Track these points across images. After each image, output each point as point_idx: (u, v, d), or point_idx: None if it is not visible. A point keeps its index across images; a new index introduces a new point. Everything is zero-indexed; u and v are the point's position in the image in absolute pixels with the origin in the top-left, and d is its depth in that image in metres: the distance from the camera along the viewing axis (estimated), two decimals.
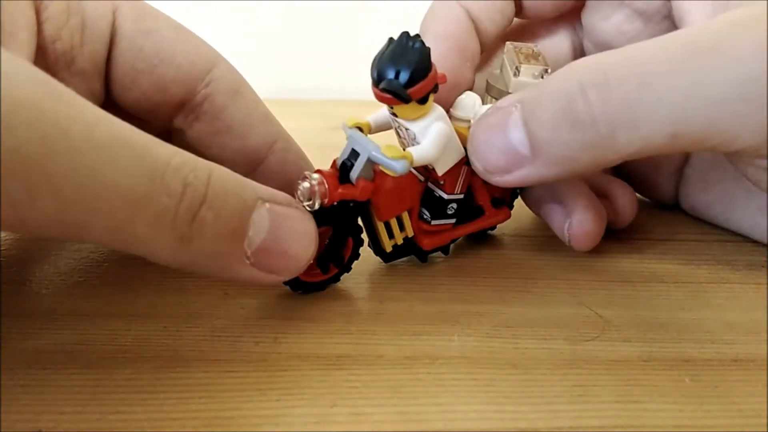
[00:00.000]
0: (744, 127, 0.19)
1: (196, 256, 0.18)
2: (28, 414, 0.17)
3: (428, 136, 0.22)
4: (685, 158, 0.30)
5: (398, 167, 0.21)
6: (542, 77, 0.24)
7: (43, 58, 0.21)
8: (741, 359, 0.20)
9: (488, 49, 0.29)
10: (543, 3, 0.29)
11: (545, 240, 0.29)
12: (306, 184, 0.21)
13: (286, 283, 0.22)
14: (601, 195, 0.27)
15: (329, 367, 0.19)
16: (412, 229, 0.24)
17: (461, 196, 0.25)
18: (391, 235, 0.24)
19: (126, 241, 0.17)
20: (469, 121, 0.24)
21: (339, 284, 0.24)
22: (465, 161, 0.24)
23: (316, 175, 0.21)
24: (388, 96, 0.20)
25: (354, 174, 0.22)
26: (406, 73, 0.20)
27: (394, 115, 0.22)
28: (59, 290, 0.23)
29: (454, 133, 0.23)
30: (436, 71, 0.20)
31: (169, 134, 0.26)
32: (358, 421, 0.17)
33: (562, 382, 0.19)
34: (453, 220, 0.25)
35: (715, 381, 0.19)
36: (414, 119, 0.22)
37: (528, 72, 0.24)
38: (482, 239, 0.28)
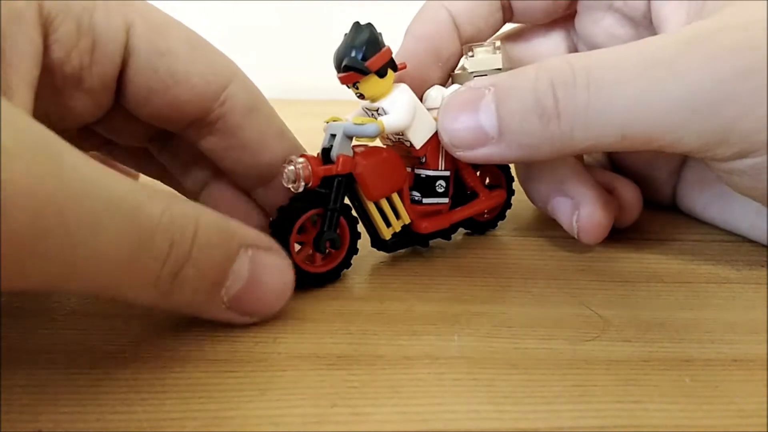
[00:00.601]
0: (687, 132, 0.21)
1: (175, 305, 0.19)
2: (27, 414, 0.17)
3: (395, 105, 0.24)
4: (683, 160, 0.30)
5: (370, 128, 0.23)
6: (496, 51, 0.26)
7: (51, 78, 0.21)
8: (741, 359, 0.20)
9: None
10: (533, 8, 0.29)
11: (545, 240, 0.29)
12: (291, 167, 0.22)
13: None
14: (606, 190, 0.28)
15: (329, 367, 0.19)
16: (407, 215, 0.25)
17: (447, 173, 0.25)
18: (388, 223, 0.25)
19: (110, 296, 0.17)
20: (437, 109, 0.25)
21: (339, 284, 0.24)
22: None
23: (300, 159, 0.22)
24: (350, 72, 0.23)
25: (333, 152, 0.23)
26: (359, 50, 0.23)
27: (362, 96, 0.24)
28: (59, 290, 0.23)
29: (423, 106, 0.24)
30: (390, 49, 0.23)
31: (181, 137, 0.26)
32: (358, 421, 0.17)
33: (562, 382, 0.19)
34: (446, 200, 0.26)
35: (715, 381, 0.19)
36: (379, 96, 0.24)
37: (481, 51, 0.26)
38: (481, 232, 0.29)
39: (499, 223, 0.29)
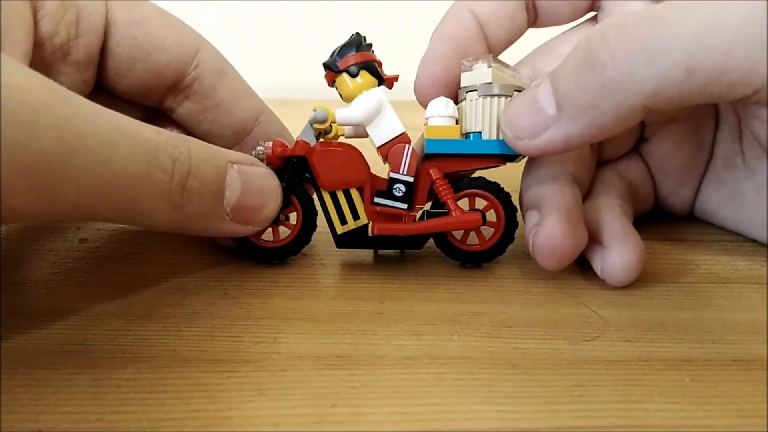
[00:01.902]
0: (761, 58, 0.19)
1: (187, 218, 0.21)
2: (27, 414, 0.17)
3: (356, 102, 0.24)
4: (707, 162, 0.30)
5: (318, 113, 0.24)
6: (491, 66, 0.24)
7: (41, 52, 0.22)
8: (741, 359, 0.20)
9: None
10: (557, 7, 0.29)
11: None
12: (259, 148, 0.25)
13: (243, 249, 0.25)
14: (596, 239, 0.25)
15: (329, 367, 0.19)
16: (366, 215, 0.25)
17: (408, 178, 0.24)
18: (344, 220, 0.25)
19: (129, 217, 0.20)
20: (432, 118, 0.24)
21: (339, 284, 0.24)
22: (407, 141, 0.24)
23: (269, 142, 0.24)
24: (326, 71, 0.24)
25: (297, 137, 0.24)
26: (337, 52, 0.24)
27: (336, 90, 0.25)
28: (59, 290, 0.23)
29: (391, 111, 0.24)
30: (369, 55, 0.24)
31: (155, 115, 0.28)
32: (358, 422, 0.17)
33: (562, 382, 0.19)
34: (404, 205, 0.24)
35: (715, 381, 0.19)
36: (352, 97, 0.24)
37: (477, 65, 0.25)
38: (472, 263, 0.26)
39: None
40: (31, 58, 0.21)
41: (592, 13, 0.30)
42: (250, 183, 0.22)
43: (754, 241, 0.28)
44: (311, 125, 0.24)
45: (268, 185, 0.23)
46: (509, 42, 0.28)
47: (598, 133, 0.21)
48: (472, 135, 0.24)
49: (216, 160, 0.21)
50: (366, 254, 0.27)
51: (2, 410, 0.17)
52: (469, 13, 0.27)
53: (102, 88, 0.26)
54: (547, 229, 0.23)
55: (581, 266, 0.26)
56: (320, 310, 0.22)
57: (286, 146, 0.24)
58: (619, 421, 0.17)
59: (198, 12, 0.63)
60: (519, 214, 0.26)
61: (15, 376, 0.18)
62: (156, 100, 0.26)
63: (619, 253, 0.24)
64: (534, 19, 0.29)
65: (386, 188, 0.24)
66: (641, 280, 0.25)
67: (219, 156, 0.22)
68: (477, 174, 0.26)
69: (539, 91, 0.22)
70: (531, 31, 0.30)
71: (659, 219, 0.31)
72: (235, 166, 0.22)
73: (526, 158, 0.26)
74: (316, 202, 0.25)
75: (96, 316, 0.21)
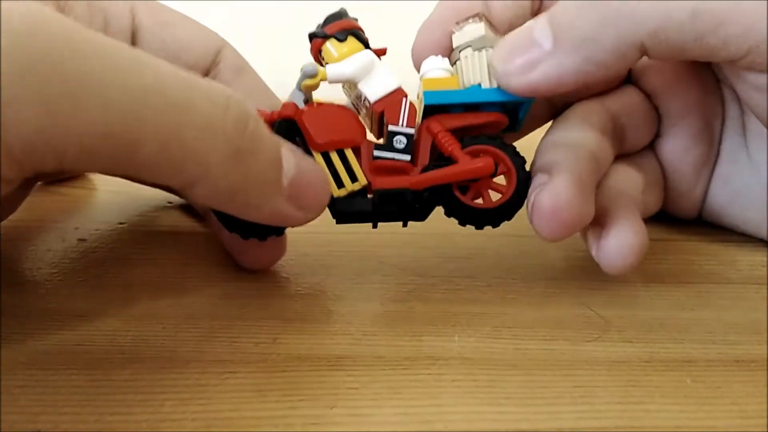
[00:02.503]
0: (763, 15, 0.19)
1: (248, 178, 0.18)
2: (26, 415, 0.16)
3: (346, 59, 0.23)
4: (716, 160, 0.29)
5: (306, 68, 0.22)
6: (481, 20, 0.24)
7: None
8: (743, 360, 0.20)
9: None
10: None
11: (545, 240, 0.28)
12: None
13: (225, 225, 0.22)
14: (599, 219, 0.23)
15: (329, 368, 0.19)
16: (364, 175, 0.22)
17: (409, 130, 0.22)
18: (340, 183, 0.22)
19: (178, 157, 0.16)
20: (429, 71, 0.23)
21: (338, 284, 0.24)
22: (405, 95, 0.23)
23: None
24: (313, 41, 0.23)
25: (286, 99, 0.23)
26: (321, 23, 0.23)
27: (322, 62, 0.23)
28: (58, 291, 0.23)
29: (385, 67, 0.23)
30: (355, 24, 0.23)
31: None
32: (358, 423, 0.17)
33: (563, 383, 0.19)
34: (406, 157, 0.22)
35: (716, 382, 0.19)
36: (342, 59, 0.23)
37: (467, 24, 0.24)
38: (477, 226, 0.23)
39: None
40: None
41: None
42: (302, 164, 0.20)
43: (756, 241, 0.28)
44: (299, 89, 0.23)
45: (318, 171, 0.21)
46: (512, 26, 0.27)
47: (593, 70, 0.21)
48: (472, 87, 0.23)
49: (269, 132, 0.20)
50: (366, 255, 0.26)
51: (1, 411, 0.17)
52: None
53: None
54: (554, 189, 0.21)
55: (582, 266, 0.26)
56: (320, 311, 0.22)
57: (274, 111, 0.22)
58: (620, 422, 0.17)
59: (198, 8, 0.63)
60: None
61: (14, 376, 0.18)
62: None
63: (618, 235, 0.22)
64: (538, 9, 0.28)
65: (385, 141, 0.22)
66: (642, 280, 0.25)
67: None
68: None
69: (535, 26, 0.21)
70: None
71: (660, 219, 0.31)
72: (285, 145, 0.20)
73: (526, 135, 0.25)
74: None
75: (95, 316, 0.21)
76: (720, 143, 0.29)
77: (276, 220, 0.21)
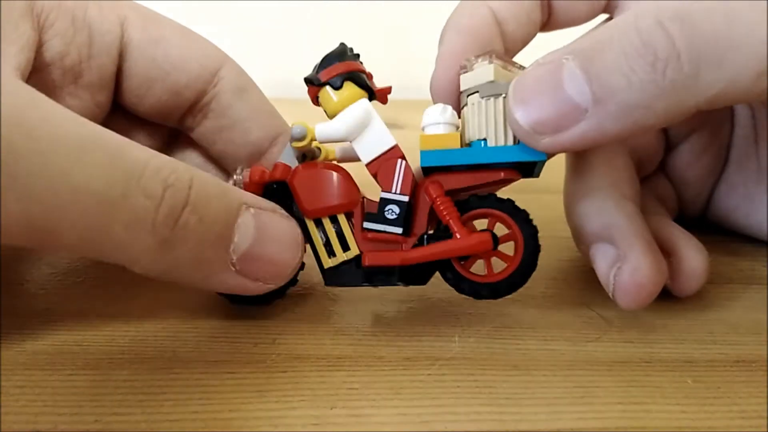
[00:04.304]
0: None
1: (179, 262, 0.18)
2: (25, 415, 0.16)
3: (339, 116, 0.21)
4: (723, 167, 0.29)
5: (295, 130, 0.21)
6: (492, 62, 0.21)
7: (49, 73, 0.21)
8: (743, 360, 0.20)
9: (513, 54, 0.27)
10: (574, 7, 0.27)
11: (547, 240, 0.28)
12: (236, 176, 0.22)
13: (223, 295, 0.21)
14: (665, 251, 0.23)
15: (329, 368, 0.19)
16: (357, 245, 0.21)
17: (403, 197, 0.21)
18: (331, 252, 0.21)
19: (101, 247, 0.16)
20: (427, 127, 0.21)
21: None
22: (400, 156, 0.21)
23: (247, 169, 0.22)
24: (308, 87, 0.21)
25: (277, 160, 0.22)
26: (318, 65, 0.21)
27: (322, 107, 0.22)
28: (57, 291, 0.23)
29: (380, 122, 0.21)
30: (353, 65, 0.21)
31: (176, 136, 0.27)
32: (358, 423, 0.17)
33: (564, 383, 0.19)
34: (398, 230, 0.21)
35: (717, 382, 0.19)
36: (337, 111, 0.21)
37: (477, 63, 0.22)
38: (476, 296, 0.21)
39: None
40: (28, 74, 0.20)
41: (604, 16, 0.28)
42: (266, 231, 0.19)
43: (756, 241, 0.28)
44: (289, 145, 0.22)
45: (287, 236, 0.20)
46: (525, 42, 0.27)
47: (637, 132, 0.19)
48: (476, 144, 0.21)
49: (227, 199, 0.19)
50: None
51: (1, 411, 0.17)
52: (486, 8, 0.25)
53: (122, 109, 0.25)
54: (634, 265, 0.21)
55: (582, 267, 0.26)
56: (319, 311, 0.22)
57: (266, 172, 0.21)
58: (620, 423, 0.17)
59: (201, 8, 0.63)
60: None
61: (13, 377, 0.18)
62: (176, 120, 0.26)
63: (694, 259, 0.23)
64: (547, 21, 0.27)
65: (377, 211, 0.21)
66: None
67: (232, 195, 0.19)
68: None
69: (564, 75, 0.18)
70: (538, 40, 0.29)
71: None
72: (251, 210, 0.19)
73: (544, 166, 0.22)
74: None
75: (94, 316, 0.21)
76: (728, 151, 0.29)
77: (230, 291, 0.20)
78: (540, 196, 0.28)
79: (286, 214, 0.21)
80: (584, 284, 0.24)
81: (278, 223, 0.20)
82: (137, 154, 0.17)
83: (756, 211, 0.28)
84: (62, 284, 0.23)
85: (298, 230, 0.20)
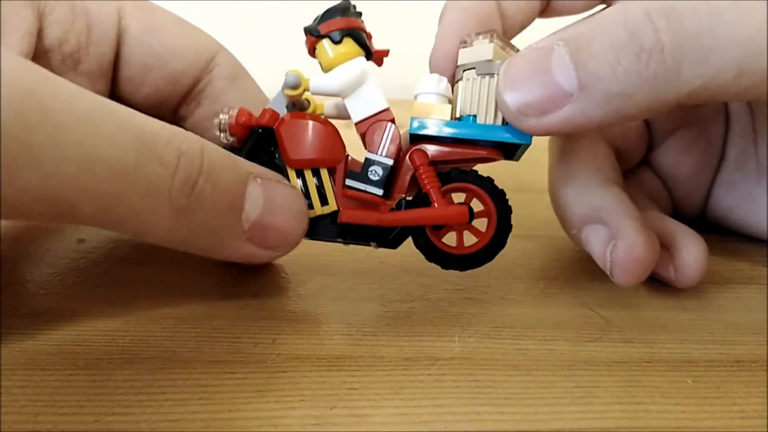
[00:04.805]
0: None
1: (194, 231, 0.18)
2: (25, 415, 0.16)
3: (335, 69, 0.21)
4: (718, 165, 0.29)
5: (289, 78, 0.21)
6: (492, 41, 0.22)
7: (48, 60, 0.22)
8: (743, 360, 0.20)
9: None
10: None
11: (546, 240, 0.28)
12: (222, 116, 0.21)
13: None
14: (663, 244, 0.24)
15: (329, 369, 0.19)
16: (335, 201, 0.21)
17: (388, 161, 0.21)
18: (310, 205, 0.21)
19: (119, 217, 0.17)
20: (421, 95, 0.22)
21: (338, 285, 0.24)
22: (390, 119, 0.21)
23: (234, 110, 0.22)
24: (307, 37, 0.21)
25: (267, 106, 0.22)
26: (319, 17, 0.21)
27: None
28: (57, 291, 0.23)
29: (375, 84, 0.21)
30: (355, 21, 0.21)
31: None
32: (358, 423, 0.17)
33: (564, 383, 0.19)
34: (378, 191, 0.21)
35: (717, 382, 0.19)
36: (333, 66, 0.21)
37: (478, 40, 0.22)
38: (446, 266, 0.21)
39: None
40: (29, 60, 0.20)
41: (601, 6, 0.29)
42: (274, 200, 0.20)
43: (756, 241, 0.28)
44: (279, 92, 0.21)
45: (294, 205, 0.21)
46: (523, 26, 0.27)
47: (619, 120, 0.20)
48: (465, 119, 0.21)
49: (235, 168, 0.19)
50: (366, 256, 0.26)
51: (1, 411, 0.17)
52: None
53: (118, 98, 0.25)
54: (628, 241, 0.22)
55: (582, 267, 0.26)
56: (319, 311, 0.22)
57: (252, 115, 0.21)
58: (620, 423, 0.17)
59: (204, 8, 0.63)
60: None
61: (13, 377, 0.18)
62: (172, 109, 0.26)
63: (693, 248, 0.23)
64: (546, 8, 0.27)
65: (360, 170, 0.21)
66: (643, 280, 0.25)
67: (240, 164, 0.20)
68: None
69: (553, 60, 0.19)
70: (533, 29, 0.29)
71: None
72: (258, 180, 0.20)
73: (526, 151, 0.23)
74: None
75: (94, 316, 0.21)
76: (725, 149, 0.29)
77: (241, 260, 0.21)
78: (540, 196, 0.28)
79: (290, 183, 0.21)
80: (584, 284, 0.24)
81: (284, 192, 0.20)
82: (147, 122, 0.17)
83: (756, 210, 0.28)
84: (62, 284, 0.23)
85: (302, 199, 0.21)
